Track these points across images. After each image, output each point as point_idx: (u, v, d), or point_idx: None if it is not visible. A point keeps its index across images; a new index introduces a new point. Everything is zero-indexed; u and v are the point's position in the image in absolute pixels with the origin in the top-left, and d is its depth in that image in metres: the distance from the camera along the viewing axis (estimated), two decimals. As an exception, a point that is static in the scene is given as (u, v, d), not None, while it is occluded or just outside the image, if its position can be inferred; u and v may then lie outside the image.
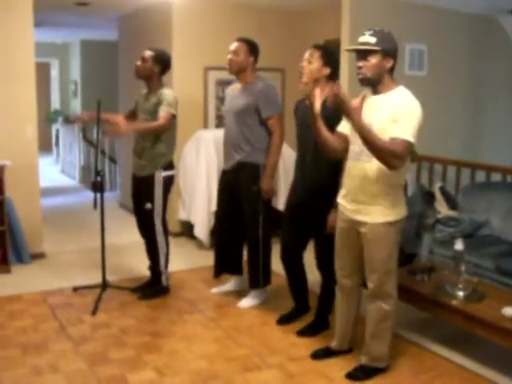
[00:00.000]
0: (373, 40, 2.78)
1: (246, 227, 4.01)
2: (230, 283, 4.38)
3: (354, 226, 2.98)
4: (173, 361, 3.27)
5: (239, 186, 3.96)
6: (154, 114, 3.96)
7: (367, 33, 2.83)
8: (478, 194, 4.65)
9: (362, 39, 2.83)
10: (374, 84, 2.86)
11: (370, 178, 2.85)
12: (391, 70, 2.86)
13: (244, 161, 3.92)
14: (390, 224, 2.89)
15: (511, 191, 4.52)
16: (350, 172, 2.97)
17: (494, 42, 6.18)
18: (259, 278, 4.05)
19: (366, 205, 2.90)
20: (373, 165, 2.82)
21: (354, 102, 2.77)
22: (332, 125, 3.04)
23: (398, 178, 2.89)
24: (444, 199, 4.65)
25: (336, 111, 2.84)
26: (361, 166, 2.89)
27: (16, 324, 3.74)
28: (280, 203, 5.30)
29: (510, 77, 6.35)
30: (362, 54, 2.82)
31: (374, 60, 2.79)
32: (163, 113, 3.90)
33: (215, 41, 5.68)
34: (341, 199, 3.07)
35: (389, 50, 2.82)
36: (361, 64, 2.82)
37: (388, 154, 2.68)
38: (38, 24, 6.36)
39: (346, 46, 4.85)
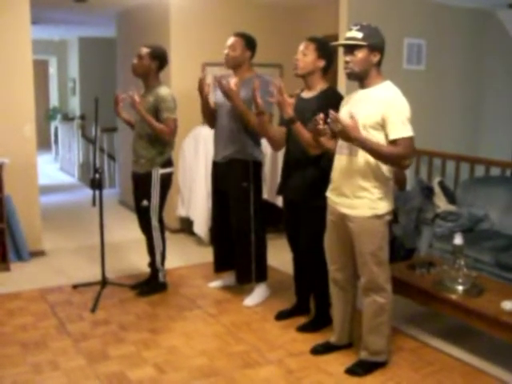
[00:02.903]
0: (359, 35, 2.84)
1: (234, 221, 3.98)
2: (227, 278, 4.36)
3: (343, 220, 3.00)
4: (172, 357, 3.27)
5: (229, 181, 3.95)
6: (149, 113, 3.91)
7: (354, 28, 2.89)
8: (477, 189, 4.64)
9: (349, 34, 2.89)
10: (361, 78, 2.91)
11: (357, 171, 2.89)
12: (378, 64, 2.91)
13: (235, 157, 3.90)
14: (377, 217, 2.91)
15: (510, 185, 4.51)
16: (337, 166, 3.00)
17: (493, 36, 6.16)
18: (250, 273, 4.00)
19: (352, 198, 2.92)
20: (359, 159, 2.87)
21: (350, 121, 2.75)
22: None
23: (385, 171, 2.90)
24: (443, 194, 4.65)
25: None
26: (347, 160, 2.92)
27: (15, 322, 3.74)
28: (277, 200, 5.31)
29: (508, 71, 6.33)
30: (349, 49, 2.88)
31: (360, 55, 2.85)
32: (168, 121, 3.90)
33: (213, 37, 5.66)
34: (329, 193, 3.09)
35: (375, 45, 2.87)
36: (348, 59, 2.88)
37: (396, 158, 2.76)
38: (36, 21, 6.34)
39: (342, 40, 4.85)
